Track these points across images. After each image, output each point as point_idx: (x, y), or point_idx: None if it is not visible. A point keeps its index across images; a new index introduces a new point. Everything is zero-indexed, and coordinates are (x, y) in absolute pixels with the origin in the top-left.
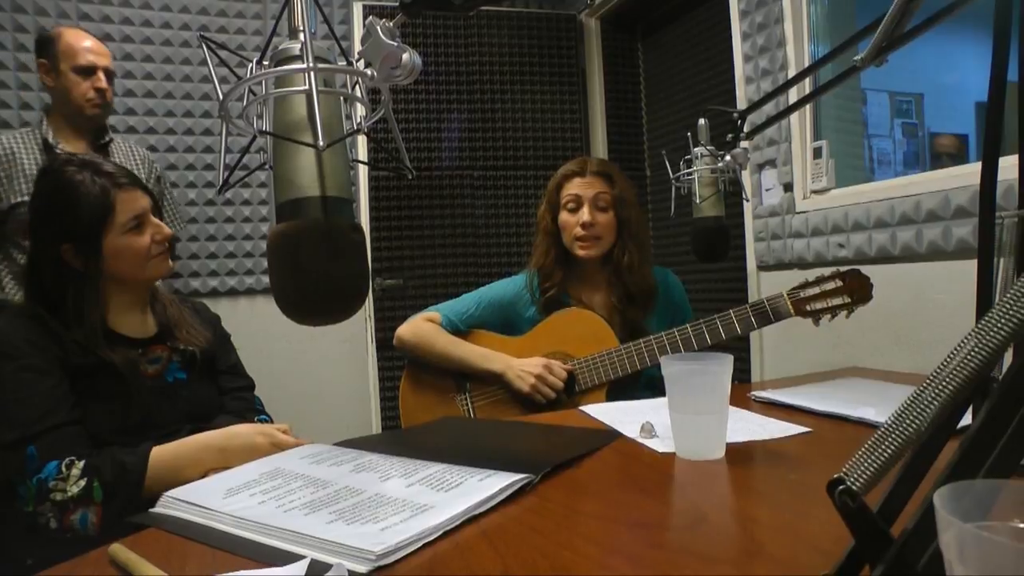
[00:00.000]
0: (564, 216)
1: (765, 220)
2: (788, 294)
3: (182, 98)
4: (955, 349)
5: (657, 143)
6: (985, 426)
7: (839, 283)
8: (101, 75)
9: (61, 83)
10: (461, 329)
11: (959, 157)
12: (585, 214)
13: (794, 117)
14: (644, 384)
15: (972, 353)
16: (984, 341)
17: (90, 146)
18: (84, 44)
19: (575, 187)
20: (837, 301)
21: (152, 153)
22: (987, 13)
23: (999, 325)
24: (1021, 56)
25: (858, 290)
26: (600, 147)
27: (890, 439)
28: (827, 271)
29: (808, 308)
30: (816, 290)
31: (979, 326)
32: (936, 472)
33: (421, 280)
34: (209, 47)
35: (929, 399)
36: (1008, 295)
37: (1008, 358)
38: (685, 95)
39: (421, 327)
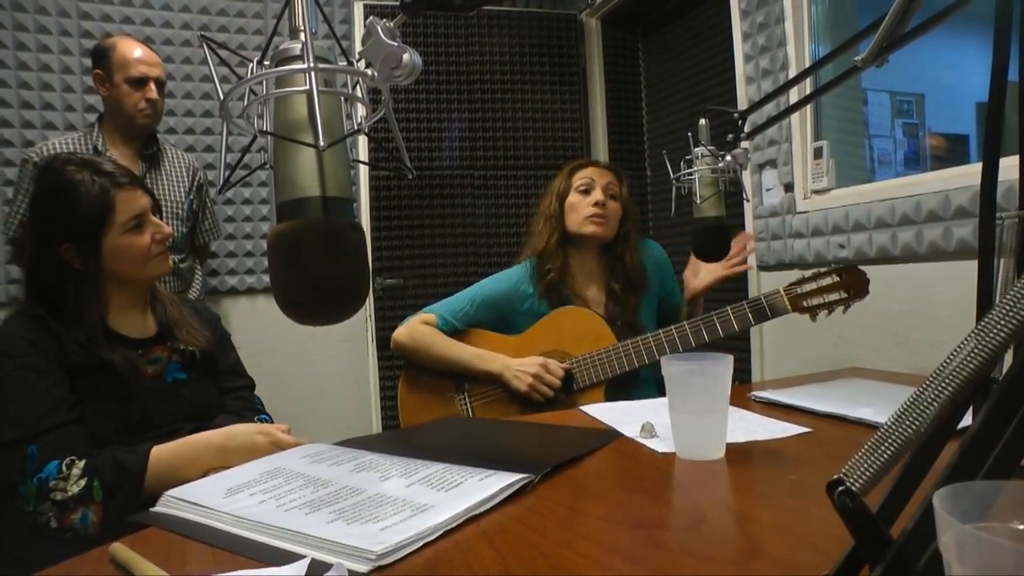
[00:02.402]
0: (575, 197)
1: (766, 220)
2: (785, 290)
3: (183, 97)
4: (955, 350)
5: (658, 143)
6: (984, 427)
7: (836, 278)
8: (152, 86)
9: (114, 94)
10: (458, 328)
11: (950, 159)
12: (599, 194)
13: (795, 117)
14: (644, 379)
15: (972, 354)
16: (984, 342)
17: (137, 154)
18: (136, 55)
19: (588, 173)
20: (834, 296)
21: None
22: (988, 13)
23: (999, 326)
24: (1021, 56)
25: (854, 285)
26: (601, 147)
27: (890, 440)
28: (824, 267)
29: (805, 304)
30: (813, 285)
31: (979, 327)
32: (936, 473)
33: (421, 280)
34: (210, 47)
35: (929, 400)
36: (1008, 296)
37: (1009, 359)
38: (686, 95)
39: (417, 330)
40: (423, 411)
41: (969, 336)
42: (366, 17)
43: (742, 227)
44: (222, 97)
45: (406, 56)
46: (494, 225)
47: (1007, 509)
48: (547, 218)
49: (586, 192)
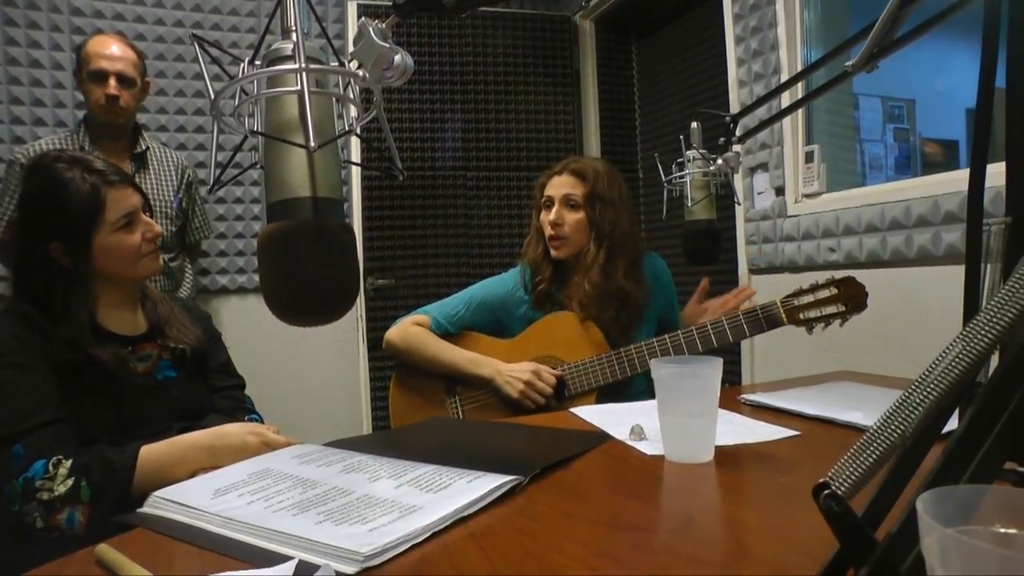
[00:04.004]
0: (543, 215)
1: (757, 223)
2: (782, 302)
3: (175, 95)
4: (941, 354)
5: (650, 145)
6: (968, 431)
7: (834, 291)
8: (112, 81)
9: (83, 90)
10: (451, 331)
11: (940, 165)
12: (552, 213)
13: (786, 121)
14: (636, 387)
15: (958, 359)
16: (970, 347)
17: (125, 153)
18: (97, 49)
19: (551, 187)
20: (831, 309)
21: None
22: (977, 20)
23: (984, 331)
24: (1009, 63)
25: (853, 298)
26: (593, 148)
27: (875, 444)
28: (821, 278)
29: (802, 316)
30: (810, 298)
31: (965, 331)
32: (921, 476)
33: (413, 280)
34: (201, 46)
35: (915, 404)
36: (993, 301)
37: (994, 363)
38: (678, 98)
39: (410, 331)
40: (414, 414)
41: (955, 341)
42: (360, 17)
43: (733, 231)
44: (213, 96)
45: (398, 57)
46: (486, 226)
47: (990, 513)
48: (535, 229)
49: (549, 209)
